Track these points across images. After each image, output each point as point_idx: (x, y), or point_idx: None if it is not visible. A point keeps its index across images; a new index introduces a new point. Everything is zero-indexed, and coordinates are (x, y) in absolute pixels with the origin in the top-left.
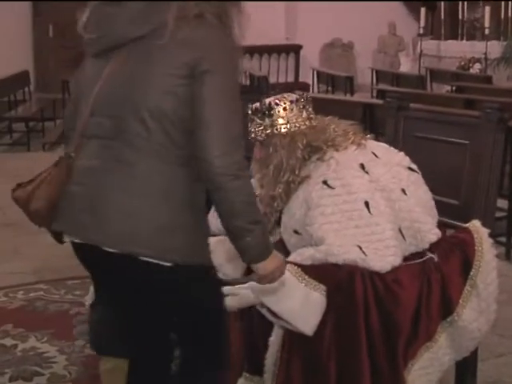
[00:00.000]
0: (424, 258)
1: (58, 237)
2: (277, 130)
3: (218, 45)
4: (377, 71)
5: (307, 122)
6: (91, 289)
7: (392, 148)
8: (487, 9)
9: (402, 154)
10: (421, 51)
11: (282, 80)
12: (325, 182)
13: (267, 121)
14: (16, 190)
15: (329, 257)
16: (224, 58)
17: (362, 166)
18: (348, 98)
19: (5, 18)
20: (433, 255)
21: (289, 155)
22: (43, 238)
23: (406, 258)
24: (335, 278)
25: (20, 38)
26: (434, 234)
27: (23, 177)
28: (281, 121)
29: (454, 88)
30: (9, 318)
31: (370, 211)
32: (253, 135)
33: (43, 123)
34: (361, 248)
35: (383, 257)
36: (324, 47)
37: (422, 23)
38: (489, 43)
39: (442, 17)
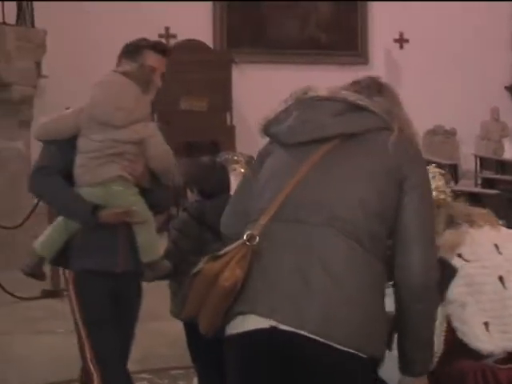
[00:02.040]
0: None
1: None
2: None
3: (423, 160)
4: (480, 158)
5: (448, 198)
6: (195, 380)
7: None
8: None
9: None
10: None
11: None
12: (459, 255)
13: None
14: (206, 263)
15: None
16: (426, 173)
17: (497, 247)
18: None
19: None
20: None
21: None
22: (147, 325)
23: None
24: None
25: None
26: None
27: None
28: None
29: None
30: None
31: (504, 286)
32: None
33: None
34: (487, 325)
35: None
36: (426, 134)
37: None
38: None
39: None
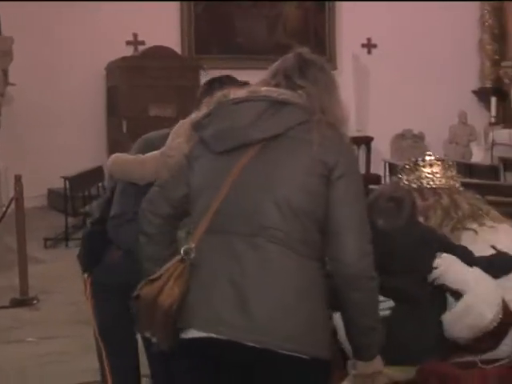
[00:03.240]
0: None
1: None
2: (423, 182)
3: (348, 147)
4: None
5: (451, 181)
6: None
7: None
8: None
9: None
10: (493, 140)
11: None
12: (494, 247)
13: (415, 172)
14: (143, 287)
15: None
16: (353, 160)
17: None
18: None
19: (81, 115)
20: None
21: (456, 208)
22: None
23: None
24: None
25: (95, 134)
26: None
27: None
28: (426, 175)
29: None
30: None
31: None
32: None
33: None
34: None
35: None
36: (395, 138)
37: (493, 112)
38: None
39: None
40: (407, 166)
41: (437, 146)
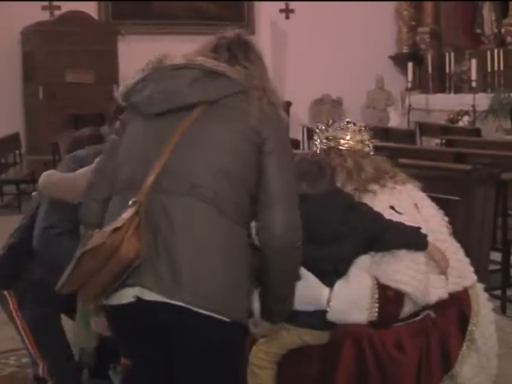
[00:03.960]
0: (422, 316)
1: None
2: (335, 145)
3: (284, 127)
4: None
5: (365, 148)
6: None
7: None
8: (473, 61)
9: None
10: (409, 105)
11: None
12: (392, 208)
13: (328, 135)
14: (110, 234)
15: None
16: (287, 138)
17: (416, 206)
18: None
19: None
20: (429, 311)
21: (359, 170)
22: None
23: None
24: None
25: (11, 100)
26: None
27: None
28: (340, 140)
29: (443, 141)
30: None
31: None
32: (314, 148)
33: (34, 185)
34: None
35: (435, 289)
36: (313, 104)
37: (410, 77)
38: (476, 96)
39: (430, 70)
40: (319, 129)
41: (355, 110)
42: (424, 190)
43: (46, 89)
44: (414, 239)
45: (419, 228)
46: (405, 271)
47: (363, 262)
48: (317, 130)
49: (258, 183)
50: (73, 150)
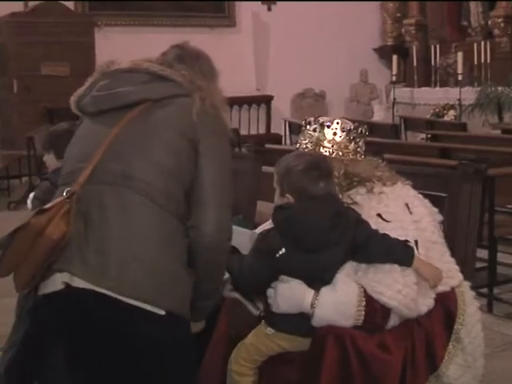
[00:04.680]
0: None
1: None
2: (319, 149)
3: (225, 129)
4: (350, 121)
5: (351, 155)
6: None
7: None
8: (460, 54)
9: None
10: (394, 99)
11: (253, 132)
12: (379, 216)
13: (314, 137)
14: (34, 215)
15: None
16: (222, 137)
17: (407, 206)
18: None
19: None
20: None
21: (345, 177)
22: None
23: None
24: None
25: None
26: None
27: None
28: (326, 143)
29: (428, 136)
30: None
31: (418, 251)
32: (298, 145)
33: (8, 181)
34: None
35: (425, 299)
36: (295, 97)
37: (394, 70)
38: (462, 89)
39: (415, 63)
40: (309, 128)
41: (338, 104)
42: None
43: (20, 82)
44: (398, 254)
45: (406, 241)
46: (390, 284)
47: (350, 269)
48: (305, 130)
49: (193, 181)
50: (49, 145)
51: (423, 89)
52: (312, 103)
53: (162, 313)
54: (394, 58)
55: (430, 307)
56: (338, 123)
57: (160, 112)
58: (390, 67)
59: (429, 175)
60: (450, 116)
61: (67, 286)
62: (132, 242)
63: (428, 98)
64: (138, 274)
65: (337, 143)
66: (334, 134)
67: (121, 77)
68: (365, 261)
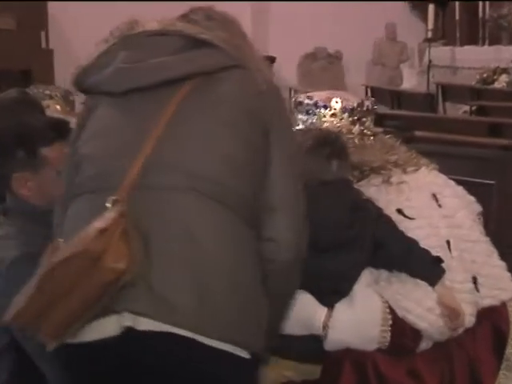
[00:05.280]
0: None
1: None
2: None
3: (283, 103)
4: (372, 89)
5: (357, 140)
6: None
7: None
8: None
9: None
10: (429, 61)
11: None
12: (400, 212)
13: (309, 120)
14: (93, 240)
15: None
16: (289, 119)
17: (435, 197)
18: None
19: None
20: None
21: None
22: None
23: None
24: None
25: None
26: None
27: None
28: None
29: (473, 109)
30: None
31: (450, 252)
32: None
33: None
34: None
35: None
36: (304, 59)
37: (431, 25)
38: None
39: (457, 16)
40: (300, 108)
41: (357, 68)
42: (446, 172)
43: None
44: (424, 268)
45: (438, 258)
46: (420, 299)
47: (369, 276)
48: (298, 106)
49: (264, 176)
50: None
51: (467, 48)
52: (325, 66)
53: (247, 356)
54: (431, 8)
55: (469, 326)
56: (337, 102)
57: (217, 90)
58: (424, 20)
59: (472, 158)
60: (501, 82)
61: (127, 329)
62: (209, 262)
63: (474, 60)
64: (219, 305)
65: (337, 128)
66: (333, 115)
67: (149, 42)
68: (383, 266)
